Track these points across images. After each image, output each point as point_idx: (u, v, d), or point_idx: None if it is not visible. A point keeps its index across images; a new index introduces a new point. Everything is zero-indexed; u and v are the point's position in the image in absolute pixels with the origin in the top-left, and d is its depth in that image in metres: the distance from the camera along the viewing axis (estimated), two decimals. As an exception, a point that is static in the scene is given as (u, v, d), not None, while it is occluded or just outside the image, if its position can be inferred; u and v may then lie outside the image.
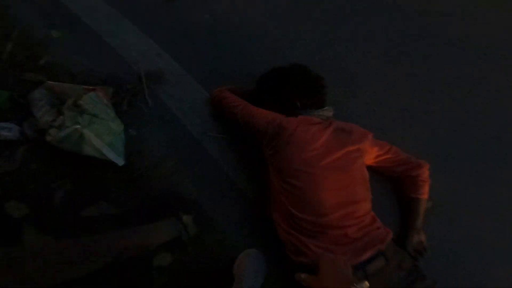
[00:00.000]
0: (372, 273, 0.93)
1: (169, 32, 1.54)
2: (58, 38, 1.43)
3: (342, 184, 1.02)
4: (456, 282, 1.12)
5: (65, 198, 1.05)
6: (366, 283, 0.75)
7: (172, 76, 1.37)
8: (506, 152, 1.34)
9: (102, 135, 1.07)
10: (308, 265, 0.95)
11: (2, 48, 1.33)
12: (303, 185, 1.00)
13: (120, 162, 1.12)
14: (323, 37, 1.57)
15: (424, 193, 1.15)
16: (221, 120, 1.32)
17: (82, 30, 1.49)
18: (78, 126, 1.03)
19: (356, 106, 1.40)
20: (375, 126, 1.25)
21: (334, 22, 1.64)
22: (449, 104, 1.43)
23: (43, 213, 1.03)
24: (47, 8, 1.54)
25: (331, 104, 1.20)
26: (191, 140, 1.28)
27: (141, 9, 1.61)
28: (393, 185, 1.24)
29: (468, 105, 1.43)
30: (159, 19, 1.58)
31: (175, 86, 1.35)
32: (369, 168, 1.16)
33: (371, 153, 1.15)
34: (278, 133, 1.05)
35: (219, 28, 1.58)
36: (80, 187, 1.08)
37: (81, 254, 0.91)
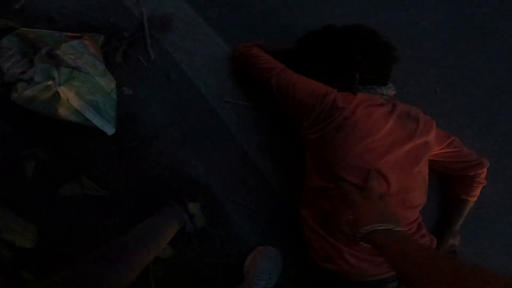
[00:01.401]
0: None
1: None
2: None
3: (402, 187, 0.81)
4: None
5: (38, 170, 0.82)
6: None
7: (183, 24, 1.03)
8: None
9: (85, 94, 0.80)
10: (334, 272, 0.81)
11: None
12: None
13: (110, 129, 0.85)
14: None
15: (476, 195, 0.99)
16: (244, 83, 1.00)
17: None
18: (50, 82, 0.76)
19: (415, 85, 1.10)
20: (434, 111, 1.02)
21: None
22: None
23: (11, 188, 0.81)
24: None
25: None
26: (204, 106, 0.97)
27: None
28: (438, 180, 1.05)
29: None
30: None
31: (186, 36, 1.03)
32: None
33: (434, 147, 0.89)
34: (330, 114, 0.80)
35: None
36: (57, 159, 0.84)
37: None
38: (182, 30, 1.03)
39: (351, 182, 0.78)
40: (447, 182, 1.03)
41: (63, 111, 0.79)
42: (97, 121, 0.82)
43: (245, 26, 1.06)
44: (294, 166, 0.98)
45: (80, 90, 0.80)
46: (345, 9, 1.09)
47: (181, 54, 1.00)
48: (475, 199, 0.99)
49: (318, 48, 0.89)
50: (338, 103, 0.79)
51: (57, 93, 0.77)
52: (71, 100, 0.78)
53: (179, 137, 0.94)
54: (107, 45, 0.92)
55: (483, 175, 0.97)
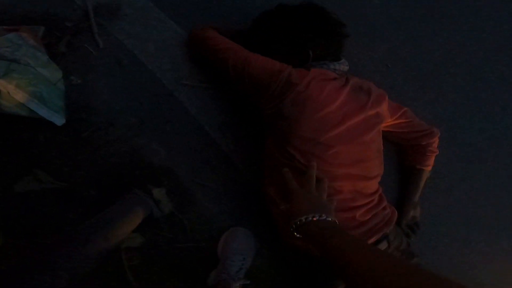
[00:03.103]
0: None
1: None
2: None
3: (357, 157, 0.82)
4: (442, 257, 1.10)
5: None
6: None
7: (132, 10, 0.98)
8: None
9: (27, 86, 0.74)
10: (304, 249, 0.82)
11: None
12: (311, 157, 0.79)
13: (59, 120, 0.79)
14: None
15: (430, 164, 1.02)
16: (201, 65, 0.97)
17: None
18: (-13, 76, 0.70)
19: (368, 60, 1.11)
20: (386, 85, 1.07)
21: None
22: (467, 71, 1.16)
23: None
24: None
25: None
26: (160, 91, 0.94)
27: None
28: (394, 151, 1.07)
29: (486, 75, 1.17)
30: None
31: (136, 22, 0.97)
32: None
33: (386, 118, 0.90)
34: (285, 89, 0.80)
35: None
36: (7, 154, 0.78)
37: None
38: (132, 16, 0.98)
39: (300, 162, 0.79)
40: (403, 154, 1.06)
41: (5, 105, 0.73)
42: (43, 112, 0.76)
43: (198, 8, 1.02)
44: (257, 144, 0.96)
45: (21, 82, 0.74)
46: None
47: (132, 40, 0.95)
48: (429, 168, 1.02)
49: (271, 28, 0.88)
50: (292, 79, 0.79)
51: (-4, 86, 0.71)
52: (12, 92, 0.72)
53: (137, 122, 0.90)
54: (49, 36, 0.86)
55: (435, 144, 0.99)
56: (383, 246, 0.83)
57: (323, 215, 0.61)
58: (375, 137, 0.87)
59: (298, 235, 0.65)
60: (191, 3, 1.02)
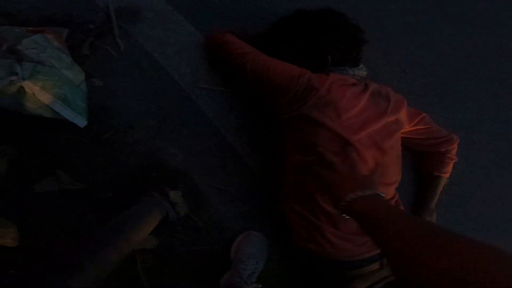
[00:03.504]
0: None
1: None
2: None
3: (376, 163, 0.82)
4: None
5: (11, 168, 0.78)
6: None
7: (152, 13, 0.99)
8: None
9: (52, 87, 0.75)
10: (318, 254, 0.81)
11: None
12: (332, 162, 0.77)
13: (81, 122, 0.81)
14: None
15: (448, 171, 1.00)
16: (218, 69, 0.97)
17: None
18: (14, 78, 0.72)
19: (385, 65, 1.09)
20: (404, 90, 1.06)
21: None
22: (486, 75, 1.13)
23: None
24: None
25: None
26: (178, 94, 0.94)
27: None
28: (411, 158, 1.06)
29: (506, 80, 1.14)
30: None
31: (155, 25, 0.98)
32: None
33: (404, 124, 0.89)
34: (305, 94, 0.79)
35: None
36: (29, 155, 0.79)
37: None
38: (152, 20, 0.99)
39: (329, 158, 0.77)
40: (421, 160, 1.04)
41: (30, 106, 0.75)
42: (67, 114, 0.78)
43: (216, 12, 1.03)
44: (273, 148, 0.96)
45: (46, 83, 0.75)
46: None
47: (152, 43, 0.97)
48: (447, 175, 1.00)
49: (290, 33, 0.88)
50: (313, 84, 0.79)
51: (22, 88, 0.73)
52: (37, 94, 0.74)
53: (155, 125, 0.91)
54: (72, 38, 0.87)
55: (454, 151, 0.98)
56: None
57: (372, 189, 0.59)
58: (394, 144, 0.86)
59: (347, 216, 0.62)
60: (209, 7, 1.03)
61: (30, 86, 0.73)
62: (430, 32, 1.13)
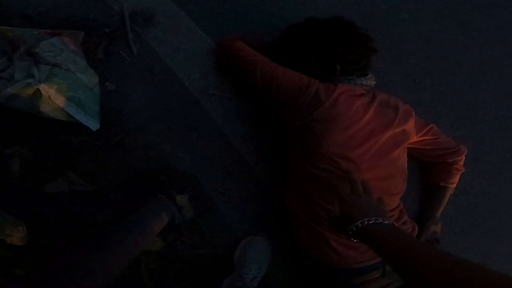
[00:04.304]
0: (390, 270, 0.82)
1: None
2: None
3: (382, 174, 0.82)
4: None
5: (23, 168, 0.80)
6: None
7: (165, 18, 1.01)
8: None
9: (67, 90, 0.78)
10: (321, 260, 0.82)
11: None
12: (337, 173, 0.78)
13: (94, 125, 0.83)
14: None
15: (455, 182, 0.99)
16: (228, 75, 0.99)
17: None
18: (31, 80, 0.74)
19: (395, 75, 1.09)
20: (413, 100, 1.03)
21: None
22: (498, 86, 1.12)
23: (-3, 187, 0.79)
24: None
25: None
26: (188, 99, 0.96)
27: None
28: (417, 168, 1.05)
29: None
30: None
31: (168, 30, 1.00)
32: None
33: (412, 135, 0.89)
34: (313, 104, 0.80)
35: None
36: (42, 155, 0.82)
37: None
38: (165, 25, 1.01)
39: (329, 174, 0.78)
40: (427, 170, 1.03)
41: (45, 108, 0.77)
42: (80, 117, 0.80)
43: (227, 19, 1.04)
44: (279, 156, 0.97)
45: (62, 86, 0.77)
46: (328, 1, 1.07)
47: (164, 48, 0.98)
48: (454, 186, 0.99)
49: (300, 41, 0.88)
50: (320, 94, 0.79)
51: (38, 90, 0.75)
52: (53, 97, 0.76)
53: (164, 130, 0.92)
54: (88, 41, 0.90)
55: (461, 162, 0.97)
56: None
57: (379, 218, 0.61)
58: (401, 154, 0.85)
59: (354, 240, 0.64)
60: (221, 14, 1.04)
61: (46, 89, 0.76)
62: (442, 41, 1.12)
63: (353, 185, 0.72)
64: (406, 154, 0.89)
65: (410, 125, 0.87)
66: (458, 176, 0.98)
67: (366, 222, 0.60)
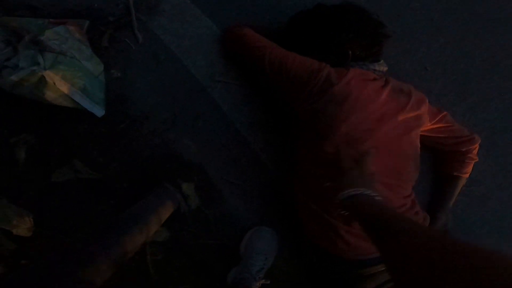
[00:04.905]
0: None
1: None
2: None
3: (394, 159, 0.80)
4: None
5: (29, 156, 0.80)
6: None
7: (170, 6, 0.99)
8: None
9: (72, 78, 0.77)
10: (330, 251, 0.81)
11: None
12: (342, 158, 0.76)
13: (99, 112, 0.82)
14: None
15: (468, 172, 0.97)
16: (235, 62, 0.97)
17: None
18: (35, 68, 0.74)
19: (406, 62, 1.07)
20: (425, 88, 1.01)
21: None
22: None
23: (3, 175, 0.79)
24: None
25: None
26: (194, 87, 0.94)
27: None
28: (430, 157, 1.03)
29: None
30: None
31: (173, 18, 0.99)
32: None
33: (425, 122, 0.87)
34: (325, 87, 0.78)
35: None
36: (47, 143, 0.81)
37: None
38: (170, 13, 1.00)
39: (342, 154, 0.76)
40: (440, 159, 1.01)
41: (50, 95, 0.77)
42: (86, 104, 0.79)
43: (233, 6, 1.02)
44: (286, 144, 0.95)
45: (67, 74, 0.77)
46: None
47: (169, 36, 0.97)
48: (467, 175, 0.97)
49: (309, 27, 0.87)
50: (332, 78, 0.78)
51: (43, 77, 0.74)
52: (58, 83, 0.76)
53: (170, 117, 0.91)
54: (93, 30, 0.89)
55: (475, 151, 0.95)
56: None
57: (360, 189, 0.62)
58: (413, 140, 0.84)
59: (343, 212, 0.65)
60: (226, 1, 1.02)
61: (51, 76, 0.75)
62: (455, 31, 1.08)
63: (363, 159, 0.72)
64: (418, 142, 0.87)
65: (423, 111, 0.85)
66: (471, 165, 0.96)
67: (351, 193, 0.61)
